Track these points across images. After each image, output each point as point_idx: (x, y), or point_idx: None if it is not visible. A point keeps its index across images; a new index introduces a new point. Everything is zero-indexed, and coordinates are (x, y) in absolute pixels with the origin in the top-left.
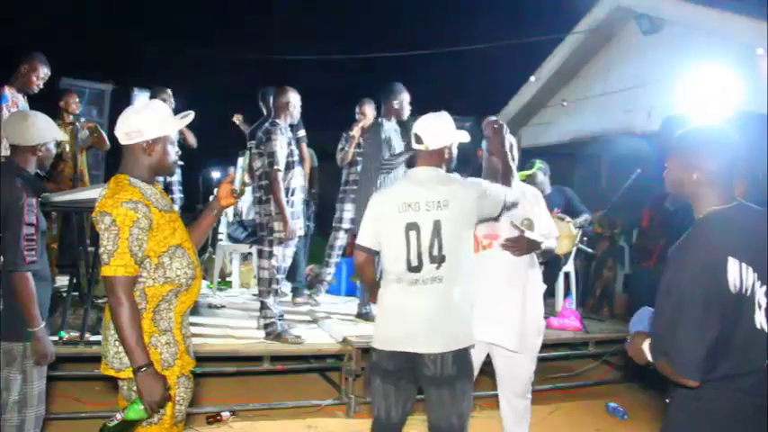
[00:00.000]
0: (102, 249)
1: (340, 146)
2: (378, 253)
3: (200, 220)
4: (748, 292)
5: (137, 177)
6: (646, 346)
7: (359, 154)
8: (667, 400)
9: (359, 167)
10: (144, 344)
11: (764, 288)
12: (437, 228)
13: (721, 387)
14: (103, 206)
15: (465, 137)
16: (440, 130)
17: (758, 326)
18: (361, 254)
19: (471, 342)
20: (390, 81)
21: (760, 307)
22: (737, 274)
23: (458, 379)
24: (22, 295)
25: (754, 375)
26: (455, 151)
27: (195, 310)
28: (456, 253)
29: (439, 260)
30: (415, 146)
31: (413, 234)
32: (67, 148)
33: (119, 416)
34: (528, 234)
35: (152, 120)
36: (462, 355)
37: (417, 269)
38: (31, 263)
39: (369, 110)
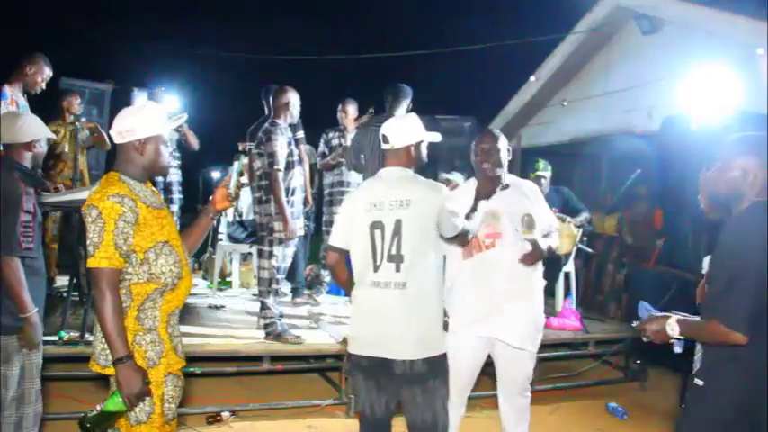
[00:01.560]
0: (88, 242)
1: (321, 149)
2: (348, 253)
3: (197, 223)
4: None
5: (128, 175)
6: (672, 322)
7: (341, 155)
8: (699, 382)
9: (343, 168)
10: (125, 336)
11: None
12: (398, 227)
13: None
14: (91, 200)
15: (435, 137)
16: (404, 129)
17: None
18: (332, 254)
19: (442, 350)
20: (391, 81)
21: None
22: None
23: (429, 377)
24: (10, 280)
25: None
26: (424, 152)
27: (195, 310)
28: (417, 254)
29: (397, 260)
30: (382, 146)
31: (377, 233)
32: (67, 149)
33: (98, 407)
34: (540, 242)
35: (144, 120)
36: (433, 359)
37: (377, 268)
38: (26, 249)
39: (351, 109)
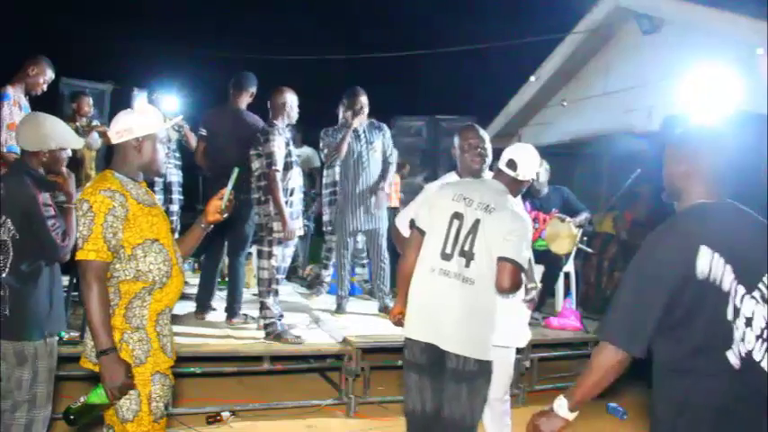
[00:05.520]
0: (78, 234)
1: (326, 141)
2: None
3: (189, 233)
4: (717, 282)
5: (122, 174)
6: (556, 403)
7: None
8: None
9: (337, 168)
10: (110, 329)
11: (736, 283)
12: (476, 226)
13: (696, 384)
14: (83, 194)
15: (542, 175)
16: (534, 165)
17: (728, 317)
18: (414, 233)
19: (491, 358)
20: (390, 81)
21: (732, 299)
22: (708, 262)
23: (478, 376)
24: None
25: (726, 374)
26: (525, 186)
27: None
28: (485, 259)
29: (468, 257)
30: (505, 169)
31: (456, 223)
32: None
33: (82, 399)
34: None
35: (141, 119)
36: (484, 362)
37: (448, 257)
38: (66, 245)
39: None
